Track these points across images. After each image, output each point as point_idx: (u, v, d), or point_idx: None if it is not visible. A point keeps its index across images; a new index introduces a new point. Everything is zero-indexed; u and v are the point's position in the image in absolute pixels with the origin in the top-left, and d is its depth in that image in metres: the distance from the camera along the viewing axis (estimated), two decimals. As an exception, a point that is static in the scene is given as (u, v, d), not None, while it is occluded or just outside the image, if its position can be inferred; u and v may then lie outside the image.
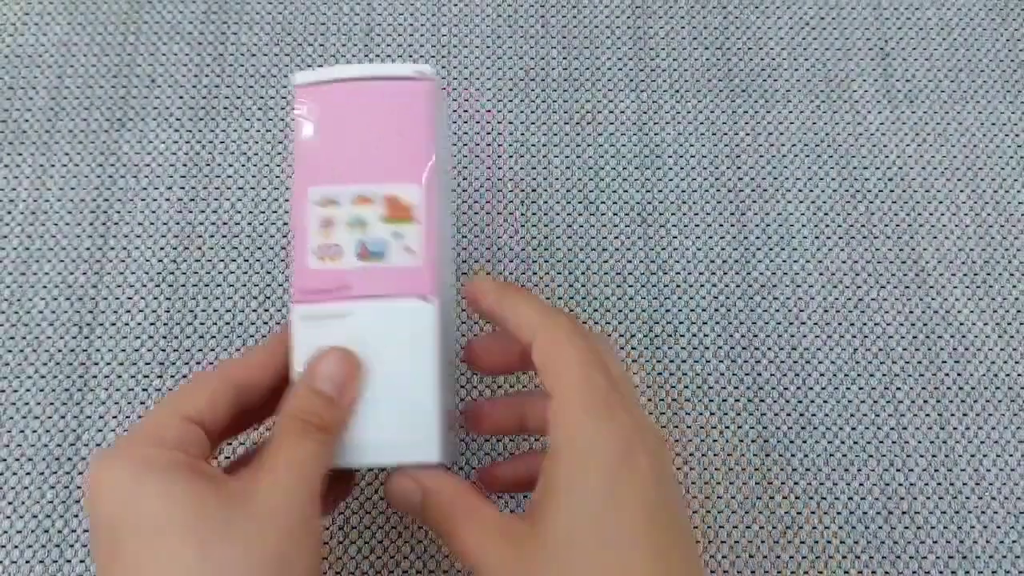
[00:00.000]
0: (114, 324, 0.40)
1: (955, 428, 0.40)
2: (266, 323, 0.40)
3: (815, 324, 0.41)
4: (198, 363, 0.39)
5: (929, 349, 0.41)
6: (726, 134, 0.44)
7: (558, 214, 0.43)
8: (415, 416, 0.29)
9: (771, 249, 0.43)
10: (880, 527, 0.38)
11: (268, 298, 0.41)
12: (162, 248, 0.41)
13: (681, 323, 0.41)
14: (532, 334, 0.29)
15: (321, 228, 0.30)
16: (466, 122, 0.44)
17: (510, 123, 0.44)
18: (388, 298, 0.30)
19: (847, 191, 0.44)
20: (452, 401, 0.32)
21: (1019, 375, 0.41)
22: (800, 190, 0.44)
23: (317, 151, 0.31)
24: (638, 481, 0.25)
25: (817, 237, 0.43)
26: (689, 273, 0.42)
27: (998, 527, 0.39)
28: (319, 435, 0.27)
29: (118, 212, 0.42)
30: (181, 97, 0.44)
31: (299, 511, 0.26)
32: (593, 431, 0.26)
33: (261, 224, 0.42)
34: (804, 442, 0.40)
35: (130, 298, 0.40)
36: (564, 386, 0.27)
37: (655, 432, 0.28)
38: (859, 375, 0.41)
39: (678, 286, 0.42)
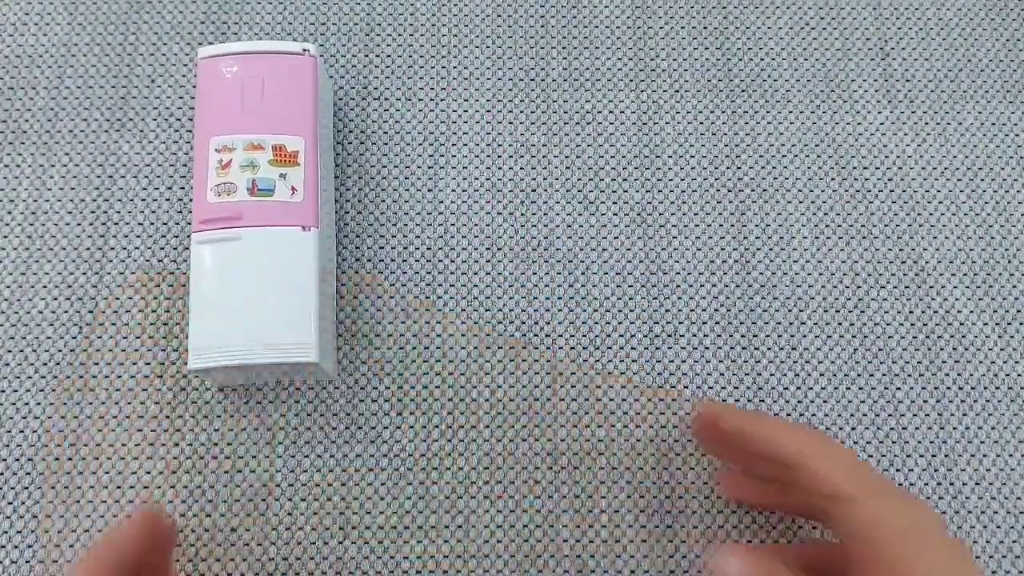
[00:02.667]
0: (114, 324, 0.40)
1: (955, 428, 0.40)
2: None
3: (815, 324, 0.41)
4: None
5: (929, 349, 0.41)
6: (726, 134, 0.44)
7: (558, 214, 0.43)
8: (297, 323, 0.35)
9: (771, 249, 0.43)
10: (880, 527, 0.38)
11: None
12: (162, 248, 0.41)
13: (681, 323, 0.41)
14: (793, 451, 0.32)
15: (219, 169, 0.37)
16: (466, 122, 0.44)
17: (510, 123, 0.44)
18: (274, 227, 0.36)
19: (847, 191, 0.44)
20: (330, 318, 0.37)
21: (1019, 375, 0.41)
22: (800, 190, 0.44)
23: (217, 109, 0.38)
24: None
25: (817, 237, 0.43)
26: (689, 273, 0.42)
27: (998, 527, 0.39)
28: None
29: (118, 212, 0.42)
30: (181, 98, 0.44)
31: None
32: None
33: (261, 224, 0.42)
34: (804, 442, 0.40)
35: (130, 298, 0.40)
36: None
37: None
38: (859, 375, 0.41)
39: (678, 286, 0.42)
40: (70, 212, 0.42)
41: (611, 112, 0.45)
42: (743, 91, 0.45)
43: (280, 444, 0.39)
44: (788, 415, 0.40)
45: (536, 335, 0.41)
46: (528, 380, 0.40)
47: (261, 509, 0.38)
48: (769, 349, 0.41)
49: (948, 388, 0.41)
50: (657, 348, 0.41)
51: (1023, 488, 0.39)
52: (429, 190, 0.43)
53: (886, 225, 0.43)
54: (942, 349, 0.41)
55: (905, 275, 0.42)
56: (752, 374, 0.40)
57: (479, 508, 0.38)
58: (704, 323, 0.41)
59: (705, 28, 0.46)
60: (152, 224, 0.42)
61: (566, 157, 0.44)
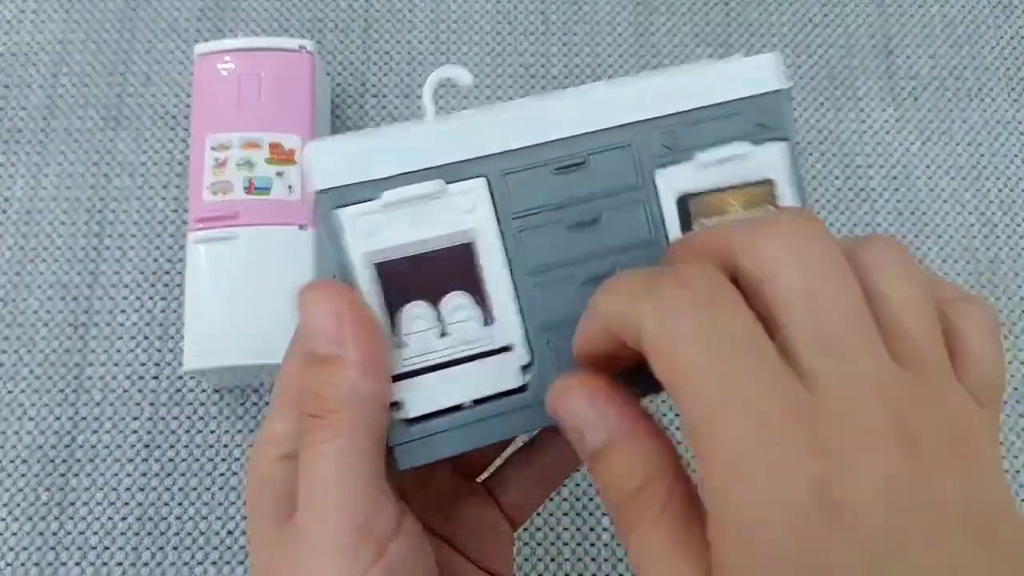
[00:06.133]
0: (109, 324, 0.40)
1: (960, 429, 0.40)
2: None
3: (818, 324, 0.41)
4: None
5: (934, 349, 0.41)
6: (728, 132, 0.44)
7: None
8: (294, 323, 0.32)
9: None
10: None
11: (265, 298, 0.40)
12: (157, 248, 0.41)
13: (683, 323, 0.41)
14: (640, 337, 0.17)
15: (215, 168, 0.36)
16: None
17: (510, 121, 0.44)
18: (271, 225, 0.36)
19: (851, 189, 0.43)
20: None
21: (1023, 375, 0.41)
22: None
23: (214, 106, 0.37)
24: (845, 545, 0.15)
25: (820, 236, 0.42)
26: (691, 273, 0.42)
27: (1003, 530, 0.38)
28: (329, 431, 0.19)
29: (113, 211, 0.41)
30: (177, 95, 0.43)
31: (347, 543, 0.19)
32: (757, 483, 0.15)
33: (258, 223, 0.41)
34: (807, 444, 0.39)
35: (125, 298, 0.40)
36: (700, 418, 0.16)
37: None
38: (863, 376, 0.40)
39: (680, 286, 0.41)
40: (65, 211, 0.41)
41: (612, 110, 0.44)
42: (745, 88, 0.45)
43: (277, 446, 0.38)
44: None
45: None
46: (528, 381, 0.40)
47: (258, 511, 0.37)
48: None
49: (953, 389, 0.40)
50: (658, 348, 0.40)
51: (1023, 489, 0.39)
52: (428, 189, 0.42)
53: (890, 224, 0.43)
54: (947, 349, 0.41)
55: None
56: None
57: (478, 510, 0.38)
58: (706, 323, 0.41)
59: (707, 25, 0.46)
60: (148, 223, 0.41)
61: (566, 155, 0.43)
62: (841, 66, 0.45)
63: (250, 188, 0.36)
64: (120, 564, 0.36)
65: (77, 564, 0.36)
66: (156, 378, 0.39)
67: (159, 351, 0.39)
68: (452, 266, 0.21)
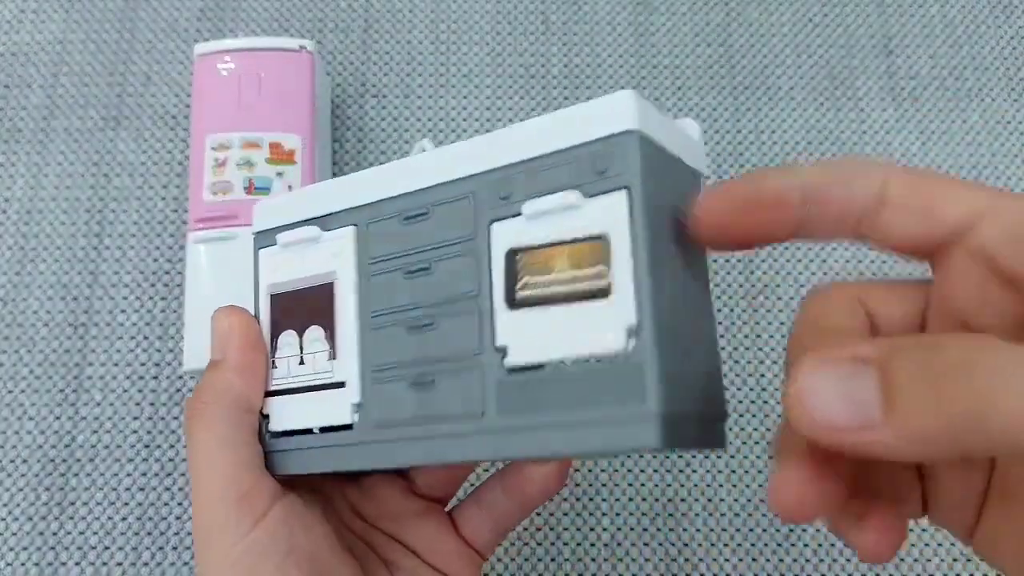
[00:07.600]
0: (109, 324, 0.40)
1: (960, 429, 0.40)
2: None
3: (818, 324, 0.41)
4: (194, 364, 0.39)
5: (934, 349, 0.41)
6: (728, 132, 0.44)
7: (558, 213, 0.42)
8: None
9: (774, 248, 0.42)
10: (884, 530, 0.38)
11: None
12: (157, 248, 0.41)
13: (683, 323, 0.41)
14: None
15: (215, 168, 0.36)
16: (465, 119, 0.44)
17: (510, 120, 0.44)
18: None
19: (851, 190, 0.43)
20: None
21: (1025, 376, 0.40)
22: (803, 189, 0.43)
23: (214, 106, 0.37)
24: None
25: (820, 236, 0.42)
26: (691, 273, 0.42)
27: (1004, 530, 0.38)
28: (201, 421, 0.23)
29: (113, 211, 0.41)
30: (177, 95, 0.43)
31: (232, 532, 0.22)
32: None
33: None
34: (807, 444, 0.39)
35: (125, 298, 0.40)
36: None
37: None
38: (863, 376, 0.40)
39: (680, 286, 0.41)
40: (65, 211, 0.41)
41: (612, 110, 0.44)
42: (746, 88, 0.45)
43: (277, 446, 0.38)
44: (791, 416, 0.40)
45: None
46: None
47: (258, 511, 0.37)
48: (772, 350, 0.40)
49: (953, 389, 0.40)
50: (658, 348, 0.40)
51: (1029, 490, 0.39)
52: (428, 189, 0.42)
53: (890, 224, 0.43)
54: (947, 349, 0.41)
55: (910, 275, 0.42)
56: (755, 375, 0.40)
57: (478, 510, 0.38)
58: (706, 323, 0.41)
59: (707, 24, 0.46)
60: (147, 223, 0.41)
61: (566, 155, 0.43)
62: (841, 66, 0.45)
63: (250, 188, 0.36)
64: (120, 564, 0.36)
65: (77, 564, 0.36)
66: (156, 378, 0.39)
67: (159, 351, 0.39)
68: (317, 302, 0.24)
